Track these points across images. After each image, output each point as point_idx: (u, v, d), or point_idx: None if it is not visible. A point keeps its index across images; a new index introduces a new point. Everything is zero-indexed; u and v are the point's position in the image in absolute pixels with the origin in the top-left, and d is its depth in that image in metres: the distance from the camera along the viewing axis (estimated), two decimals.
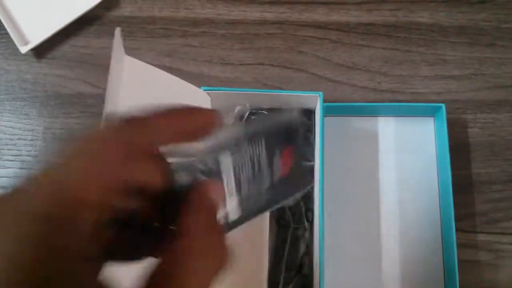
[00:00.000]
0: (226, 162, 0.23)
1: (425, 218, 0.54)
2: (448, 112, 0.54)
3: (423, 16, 0.62)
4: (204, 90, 0.51)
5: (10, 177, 0.58)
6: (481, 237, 0.54)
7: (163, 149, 0.21)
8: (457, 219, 0.50)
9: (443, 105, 0.53)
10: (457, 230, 0.50)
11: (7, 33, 0.61)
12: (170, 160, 0.22)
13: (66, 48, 0.62)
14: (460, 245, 0.51)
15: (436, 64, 0.60)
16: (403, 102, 0.58)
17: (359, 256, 0.53)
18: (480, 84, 0.59)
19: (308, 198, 0.53)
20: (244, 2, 0.63)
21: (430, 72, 0.59)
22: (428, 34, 0.61)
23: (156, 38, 0.62)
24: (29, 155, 0.59)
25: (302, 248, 0.52)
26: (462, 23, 0.61)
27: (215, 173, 0.23)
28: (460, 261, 0.49)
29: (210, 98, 0.52)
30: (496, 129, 0.57)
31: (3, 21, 0.62)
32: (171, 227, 0.21)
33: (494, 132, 0.57)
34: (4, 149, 0.59)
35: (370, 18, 0.62)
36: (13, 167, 0.58)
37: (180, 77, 0.47)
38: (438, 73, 0.59)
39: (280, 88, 0.60)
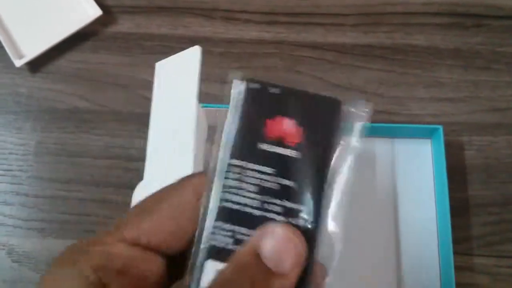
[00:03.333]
0: None
1: (422, 240, 0.54)
2: (444, 134, 0.54)
3: (419, 39, 0.62)
4: (203, 107, 0.50)
5: (0, 192, 0.57)
6: (478, 260, 0.53)
7: None
8: (454, 241, 0.50)
9: (440, 127, 0.53)
10: (454, 253, 0.49)
11: (1, 46, 0.61)
12: None
13: (61, 62, 0.62)
14: (457, 268, 0.50)
15: (432, 86, 0.60)
16: (399, 123, 0.58)
17: (354, 281, 0.53)
18: (475, 107, 0.59)
19: None
20: (241, 21, 0.64)
21: (426, 94, 0.60)
22: (424, 56, 0.61)
23: (153, 55, 0.61)
24: (20, 170, 0.58)
25: None
26: (457, 46, 0.61)
27: None
28: (457, 285, 0.49)
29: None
30: (492, 152, 0.57)
31: None
32: None
33: (490, 154, 0.57)
34: None
35: (366, 40, 0.63)
36: (3, 182, 0.57)
37: None
38: (434, 95, 0.60)
39: None
